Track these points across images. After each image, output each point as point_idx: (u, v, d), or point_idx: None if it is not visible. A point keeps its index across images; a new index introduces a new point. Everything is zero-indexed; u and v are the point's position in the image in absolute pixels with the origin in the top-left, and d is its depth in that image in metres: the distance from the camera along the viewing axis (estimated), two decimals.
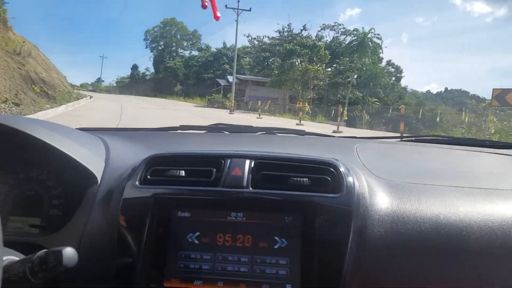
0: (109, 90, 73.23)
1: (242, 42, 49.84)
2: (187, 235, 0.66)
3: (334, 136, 1.26)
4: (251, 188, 0.69)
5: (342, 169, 0.71)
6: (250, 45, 40.47)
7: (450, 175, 0.85)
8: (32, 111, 12.27)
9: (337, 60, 33.17)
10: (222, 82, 38.92)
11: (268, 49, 38.24)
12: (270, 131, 1.24)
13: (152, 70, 69.29)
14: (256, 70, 39.85)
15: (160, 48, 64.71)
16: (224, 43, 53.21)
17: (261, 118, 20.46)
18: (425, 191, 0.73)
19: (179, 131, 1.27)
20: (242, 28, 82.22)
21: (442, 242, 0.64)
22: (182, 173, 0.72)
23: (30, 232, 0.77)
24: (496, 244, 0.64)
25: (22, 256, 0.55)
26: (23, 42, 21.80)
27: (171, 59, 61.19)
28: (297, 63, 27.96)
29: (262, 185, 0.69)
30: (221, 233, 0.66)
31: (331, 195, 0.67)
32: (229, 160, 0.73)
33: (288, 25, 43.50)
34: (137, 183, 0.71)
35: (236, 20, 27.37)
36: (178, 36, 64.69)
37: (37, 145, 0.76)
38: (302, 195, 0.67)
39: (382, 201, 0.70)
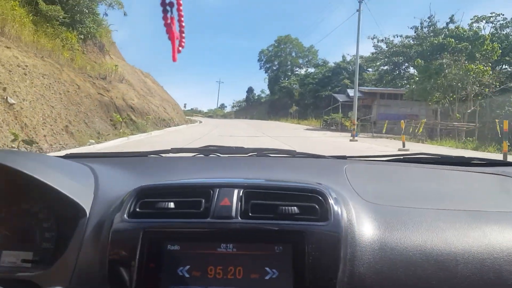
0: (225, 115, 74.66)
1: (365, 50, 43.02)
2: (178, 269, 0.66)
3: (325, 157, 1.26)
4: (240, 219, 0.68)
5: (329, 197, 0.72)
6: (376, 50, 32.58)
7: (436, 196, 0.88)
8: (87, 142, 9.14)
9: (507, 58, 23.58)
10: (340, 97, 31.56)
11: (401, 52, 29.59)
12: (261, 152, 1.24)
13: (267, 91, 67.80)
14: (384, 81, 32.31)
15: (274, 68, 62.68)
16: (343, 57, 47.60)
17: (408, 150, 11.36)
18: (412, 215, 0.74)
19: (170, 154, 1.25)
20: (366, 31, 74.85)
21: (431, 268, 0.64)
22: (171, 205, 0.71)
23: (23, 267, 0.76)
24: (484, 270, 0.64)
25: None
26: (115, 66, 20.58)
27: (286, 78, 58.15)
28: (449, 63, 19.35)
29: (251, 215, 0.69)
30: (212, 266, 0.66)
31: (319, 223, 0.67)
32: (217, 190, 0.73)
33: (429, 17, 31.67)
34: (125, 216, 0.71)
35: (358, 10, 21.26)
36: (293, 54, 61.69)
37: (24, 178, 0.76)
38: (291, 224, 0.67)
39: (370, 228, 0.70)
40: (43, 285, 0.70)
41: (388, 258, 0.66)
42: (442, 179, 1.04)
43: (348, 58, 47.37)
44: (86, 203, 0.79)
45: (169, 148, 1.25)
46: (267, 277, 0.64)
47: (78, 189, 0.83)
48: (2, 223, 0.81)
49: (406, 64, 29.91)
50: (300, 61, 62.21)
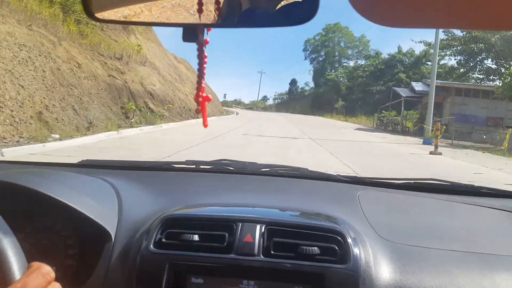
0: (266, 107, 71.85)
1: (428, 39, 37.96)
2: None
3: (336, 178, 1.27)
4: (262, 257, 0.71)
5: (348, 237, 0.74)
6: (448, 36, 26.81)
7: (449, 235, 0.90)
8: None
9: None
10: (402, 91, 25.13)
11: (481, 38, 23.02)
12: (272, 168, 1.30)
13: (311, 84, 63.99)
14: (454, 75, 26.99)
15: (320, 59, 58.74)
16: (399, 47, 42.70)
17: None
18: (426, 257, 0.76)
19: (184, 165, 1.30)
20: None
21: None
22: (196, 237, 0.74)
23: None
24: None
25: None
26: (138, 46, 18.36)
27: (333, 70, 54.08)
28: None
29: (273, 253, 0.72)
30: None
31: (338, 266, 0.70)
32: (240, 224, 0.76)
33: None
34: (152, 247, 0.74)
35: None
36: (342, 44, 57.38)
37: (47, 199, 0.79)
38: (311, 266, 0.70)
39: (386, 270, 0.73)
40: None
41: None
42: (453, 213, 1.07)
43: (405, 49, 42.57)
44: (111, 227, 0.81)
45: (184, 160, 1.32)
46: None
47: (102, 211, 0.85)
48: (26, 239, 0.82)
49: (484, 54, 24.72)
50: (349, 52, 57.89)
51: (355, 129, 21.43)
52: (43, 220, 0.85)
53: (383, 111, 27.31)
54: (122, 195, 0.94)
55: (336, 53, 57.77)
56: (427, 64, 41.14)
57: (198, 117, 19.40)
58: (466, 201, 1.11)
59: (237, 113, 34.22)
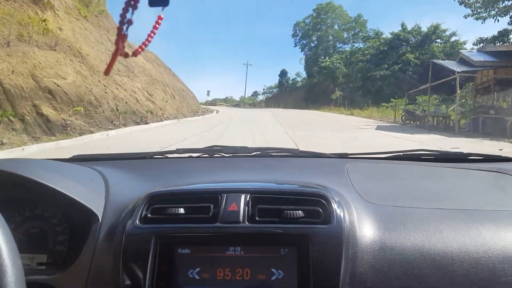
0: (254, 103, 66.35)
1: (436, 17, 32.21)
2: (188, 271, 0.71)
3: (326, 155, 1.30)
4: (247, 223, 0.73)
5: (332, 200, 0.77)
6: None
7: (434, 195, 0.93)
8: None
9: None
10: (449, 65, 14.54)
11: None
12: (264, 151, 1.31)
13: (304, 74, 58.59)
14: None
15: (312, 45, 52.99)
16: (403, 25, 37.39)
17: None
18: (411, 215, 0.78)
19: (175, 155, 1.30)
20: None
21: (428, 268, 0.68)
22: (181, 210, 0.76)
23: (37, 269, 0.81)
24: (479, 268, 0.68)
25: None
26: (43, 22, 11.74)
27: (327, 57, 48.58)
28: None
29: (258, 219, 0.74)
30: (221, 268, 0.70)
31: (322, 226, 0.72)
32: (225, 195, 0.78)
33: None
34: (138, 222, 0.75)
35: None
36: (336, 27, 51.75)
37: (37, 186, 0.81)
38: (296, 228, 0.72)
39: (370, 229, 0.75)
40: None
41: (388, 258, 0.70)
42: (441, 177, 1.10)
43: (410, 26, 37.30)
44: (98, 209, 0.83)
45: (175, 149, 1.30)
46: (273, 278, 0.69)
47: (89, 195, 0.87)
48: (16, 228, 0.85)
49: None
50: (345, 35, 52.07)
51: (377, 128, 14.52)
52: (32, 209, 0.87)
53: (417, 97, 20.69)
54: (109, 181, 0.95)
55: (330, 37, 51.98)
56: (436, 42, 36.03)
57: (147, 122, 14.05)
58: (454, 166, 1.16)
59: (218, 111, 30.16)
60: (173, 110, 19.91)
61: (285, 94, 59.29)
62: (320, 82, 47.41)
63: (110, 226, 0.80)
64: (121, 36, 0.49)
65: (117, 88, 14.21)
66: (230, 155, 1.30)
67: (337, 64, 44.45)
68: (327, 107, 39.10)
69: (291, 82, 62.98)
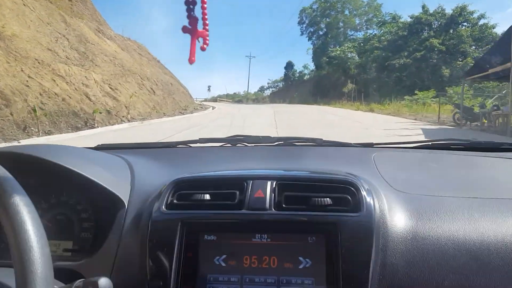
0: (258, 99, 62.50)
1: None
2: (214, 258, 0.70)
3: (351, 144, 1.28)
4: (273, 210, 0.72)
5: (361, 188, 0.75)
6: None
7: (467, 184, 0.90)
8: None
9: None
10: None
11: None
12: (287, 141, 1.30)
13: (312, 66, 54.46)
14: None
15: (321, 33, 48.49)
16: (424, 6, 33.14)
17: None
18: (443, 204, 0.76)
19: (198, 144, 1.32)
20: None
21: (463, 258, 0.67)
22: (207, 196, 0.76)
23: (63, 256, 0.82)
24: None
25: (60, 284, 0.61)
26: None
27: (338, 46, 44.38)
28: None
29: (285, 206, 0.73)
30: (247, 255, 0.70)
31: (352, 214, 0.70)
32: (251, 181, 0.77)
33: None
34: (163, 208, 0.75)
35: None
36: (347, 12, 47.27)
37: (63, 171, 0.82)
38: (324, 216, 0.70)
39: (401, 218, 0.73)
40: (85, 274, 0.74)
41: (420, 248, 0.68)
42: (472, 166, 1.07)
43: (432, 8, 33.02)
44: (124, 195, 0.84)
45: (197, 138, 1.33)
46: (300, 266, 0.68)
47: (115, 181, 0.87)
48: (42, 214, 0.85)
49: None
50: (357, 21, 47.60)
51: (427, 136, 9.90)
52: (58, 195, 0.88)
53: (447, 89, 17.02)
54: (135, 168, 0.96)
55: (340, 24, 47.43)
56: (463, 25, 31.73)
57: (94, 126, 10.32)
58: (486, 155, 1.12)
59: (213, 108, 27.31)
60: (147, 108, 16.16)
61: (291, 88, 55.09)
62: (330, 73, 43.34)
63: (136, 212, 0.81)
64: (192, 19, 0.51)
65: (53, 80, 10.48)
66: (253, 144, 1.30)
67: (349, 53, 40.36)
68: (338, 101, 35.04)
69: (297, 75, 58.58)
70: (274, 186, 0.76)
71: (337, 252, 0.66)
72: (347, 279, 0.65)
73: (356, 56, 39.54)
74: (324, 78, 44.18)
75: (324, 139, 1.29)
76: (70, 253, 0.83)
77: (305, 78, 56.16)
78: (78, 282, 0.56)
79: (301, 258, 0.68)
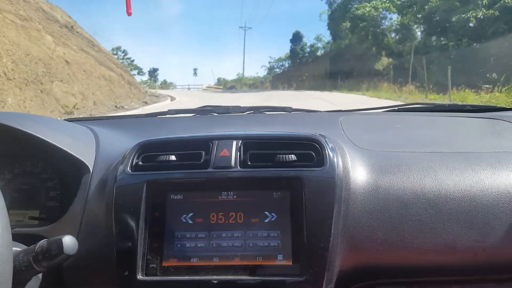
0: (256, 83, 50.59)
1: None
2: (182, 216, 0.74)
3: (320, 111, 1.34)
4: (239, 168, 0.77)
5: (325, 144, 0.79)
6: None
7: (430, 141, 0.97)
8: None
9: None
10: None
11: None
12: (257, 110, 1.34)
13: (327, 37, 41.89)
14: None
15: None
16: None
17: None
18: (405, 159, 0.82)
19: (168, 115, 1.33)
20: None
21: (421, 206, 0.73)
22: (173, 157, 0.79)
23: (30, 224, 0.85)
24: (473, 205, 0.73)
25: (24, 247, 0.63)
26: None
27: (362, 1, 31.55)
28: None
29: (250, 164, 0.78)
30: (214, 212, 0.74)
31: (315, 169, 0.75)
32: (216, 142, 0.81)
33: None
34: (129, 169, 0.78)
35: None
36: None
37: (28, 139, 0.84)
38: (289, 171, 0.75)
39: (364, 172, 0.79)
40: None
41: (381, 199, 0.74)
42: (436, 125, 1.14)
43: None
44: (88, 160, 0.87)
45: (166, 110, 1.33)
46: (266, 220, 0.73)
47: (80, 147, 0.90)
48: (7, 184, 0.89)
49: None
50: None
51: None
52: (23, 165, 0.91)
53: None
54: (100, 135, 0.99)
55: None
56: None
57: None
58: (450, 115, 1.21)
59: (172, 100, 20.23)
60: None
61: (300, 68, 42.56)
62: (354, 44, 30.97)
63: (101, 176, 0.83)
64: None
65: None
66: (223, 114, 1.32)
67: (383, 11, 28.01)
68: (365, 84, 23.16)
69: (308, 49, 46.03)
70: (239, 145, 0.80)
71: (301, 205, 0.71)
72: (310, 229, 0.70)
73: (396, 12, 27.12)
74: (346, 52, 31.76)
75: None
76: (37, 221, 0.85)
77: (318, 53, 43.63)
78: (42, 241, 0.59)
79: (266, 213, 0.73)
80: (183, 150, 0.81)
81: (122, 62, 61.11)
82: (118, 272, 0.71)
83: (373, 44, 29.64)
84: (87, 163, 0.86)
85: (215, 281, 0.69)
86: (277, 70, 53.95)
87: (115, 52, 53.83)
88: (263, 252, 0.71)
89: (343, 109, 1.38)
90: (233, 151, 0.79)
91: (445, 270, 0.73)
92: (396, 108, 1.36)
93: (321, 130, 0.92)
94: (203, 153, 0.80)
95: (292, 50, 47.52)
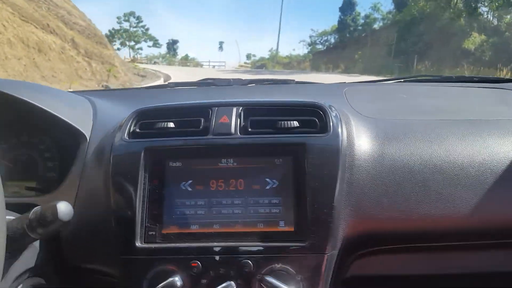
0: (291, 62, 42.84)
1: None
2: (181, 184, 0.74)
3: (324, 84, 1.35)
4: (239, 134, 0.76)
5: (328, 111, 0.78)
6: None
7: (437, 110, 0.97)
8: None
9: None
10: None
11: None
12: (260, 82, 1.34)
13: (388, 6, 33.75)
14: None
15: None
16: None
17: None
18: (412, 126, 0.82)
19: (168, 88, 1.35)
20: None
21: (429, 172, 0.74)
22: (171, 124, 0.79)
23: (27, 194, 0.86)
24: (481, 171, 0.74)
25: (19, 215, 0.63)
26: None
27: None
28: None
29: (251, 130, 0.77)
30: (214, 179, 0.74)
31: (318, 135, 0.74)
32: (216, 108, 0.80)
33: None
34: (126, 136, 0.78)
35: None
36: None
37: (26, 107, 0.83)
38: (290, 137, 0.75)
39: (368, 138, 0.79)
40: None
41: (387, 165, 0.74)
42: (444, 94, 1.14)
43: None
44: (85, 129, 0.87)
45: (166, 83, 1.35)
46: (267, 187, 0.72)
47: (77, 116, 0.89)
48: (4, 155, 0.89)
49: None
50: None
51: None
52: (19, 136, 0.91)
53: None
54: (97, 105, 0.99)
55: None
56: None
57: None
58: (457, 85, 1.21)
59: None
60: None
61: (351, 45, 34.78)
62: (428, 15, 23.27)
63: (99, 144, 0.83)
64: None
65: None
66: (223, 84, 1.32)
67: None
68: (456, 69, 16.15)
69: (362, 22, 38.07)
70: (239, 111, 0.79)
71: (304, 172, 0.71)
72: (313, 196, 0.69)
73: None
74: (416, 24, 24.00)
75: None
76: (34, 192, 0.86)
77: (374, 27, 35.56)
78: (36, 208, 0.59)
79: (268, 179, 0.72)
80: (181, 117, 0.80)
81: (135, 31, 55.16)
82: (117, 240, 0.72)
83: (459, 14, 21.97)
84: (84, 132, 0.86)
85: (216, 248, 0.70)
86: (320, 46, 46.01)
87: (126, 19, 47.47)
88: (264, 219, 0.72)
89: (347, 81, 1.36)
90: (233, 118, 0.78)
91: (450, 236, 0.74)
92: (402, 79, 1.35)
93: (325, 100, 0.91)
94: (202, 120, 0.78)
95: (341, 22, 39.46)
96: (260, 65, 45.40)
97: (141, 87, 1.38)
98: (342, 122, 0.78)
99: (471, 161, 0.75)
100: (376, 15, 36.83)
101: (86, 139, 0.86)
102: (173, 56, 51.67)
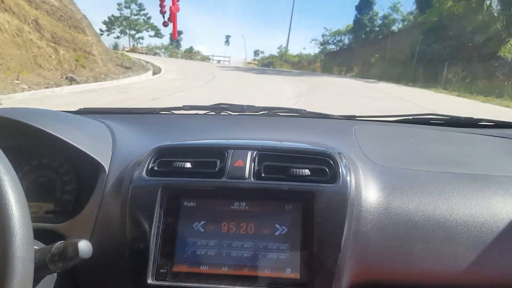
0: (301, 61, 40.28)
1: None
2: (194, 224, 0.76)
3: (334, 116, 1.38)
4: (253, 179, 0.79)
5: (339, 160, 0.81)
6: None
7: (443, 159, 0.99)
8: None
9: None
10: None
11: None
12: (271, 110, 1.38)
13: (409, 7, 31.09)
14: None
15: None
16: None
17: None
18: (417, 177, 0.84)
19: (182, 111, 1.38)
20: None
21: (432, 228, 0.76)
22: (188, 164, 0.82)
23: (45, 217, 0.88)
24: (483, 231, 0.76)
25: (41, 244, 0.67)
26: None
27: None
28: None
29: (264, 176, 0.80)
30: (226, 222, 0.76)
31: (328, 185, 0.77)
32: (232, 151, 0.83)
33: None
34: (144, 174, 0.81)
35: None
36: None
37: (46, 136, 0.87)
38: (301, 186, 0.77)
39: (376, 190, 0.81)
40: (66, 236, 0.80)
41: (392, 218, 0.77)
42: (450, 141, 1.17)
43: None
44: (105, 160, 0.89)
45: (181, 106, 1.38)
46: (277, 233, 0.75)
47: (96, 146, 0.92)
48: (24, 177, 0.92)
49: None
50: None
51: None
52: (40, 158, 0.94)
53: None
54: (116, 134, 1.02)
55: None
56: None
57: None
58: (464, 131, 1.23)
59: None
60: None
61: (367, 46, 32.15)
62: (457, 17, 20.90)
63: (117, 177, 0.86)
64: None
65: None
66: (237, 113, 1.36)
67: None
68: (490, 82, 13.94)
69: (379, 22, 35.64)
70: (254, 156, 0.82)
71: (312, 220, 0.73)
72: (320, 245, 0.72)
73: None
74: (444, 27, 21.55)
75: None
76: (52, 215, 0.88)
77: (393, 28, 33.02)
78: (59, 243, 0.62)
79: (277, 225, 0.75)
80: (198, 157, 0.83)
81: (136, 19, 52.68)
82: (129, 275, 0.74)
83: (494, 18, 19.54)
84: (103, 163, 0.88)
85: None
86: (333, 46, 43.41)
87: (127, 5, 45.06)
88: (272, 264, 0.74)
89: (356, 115, 1.40)
90: (248, 162, 0.80)
91: None
92: (411, 118, 1.37)
93: (336, 140, 0.95)
94: (218, 161, 0.81)
95: (356, 21, 36.60)
96: (267, 62, 43.05)
97: (156, 108, 1.35)
98: (351, 171, 0.80)
99: (473, 221, 0.76)
100: (395, 15, 34.19)
101: (105, 170, 0.87)
102: (176, 47, 49.14)
